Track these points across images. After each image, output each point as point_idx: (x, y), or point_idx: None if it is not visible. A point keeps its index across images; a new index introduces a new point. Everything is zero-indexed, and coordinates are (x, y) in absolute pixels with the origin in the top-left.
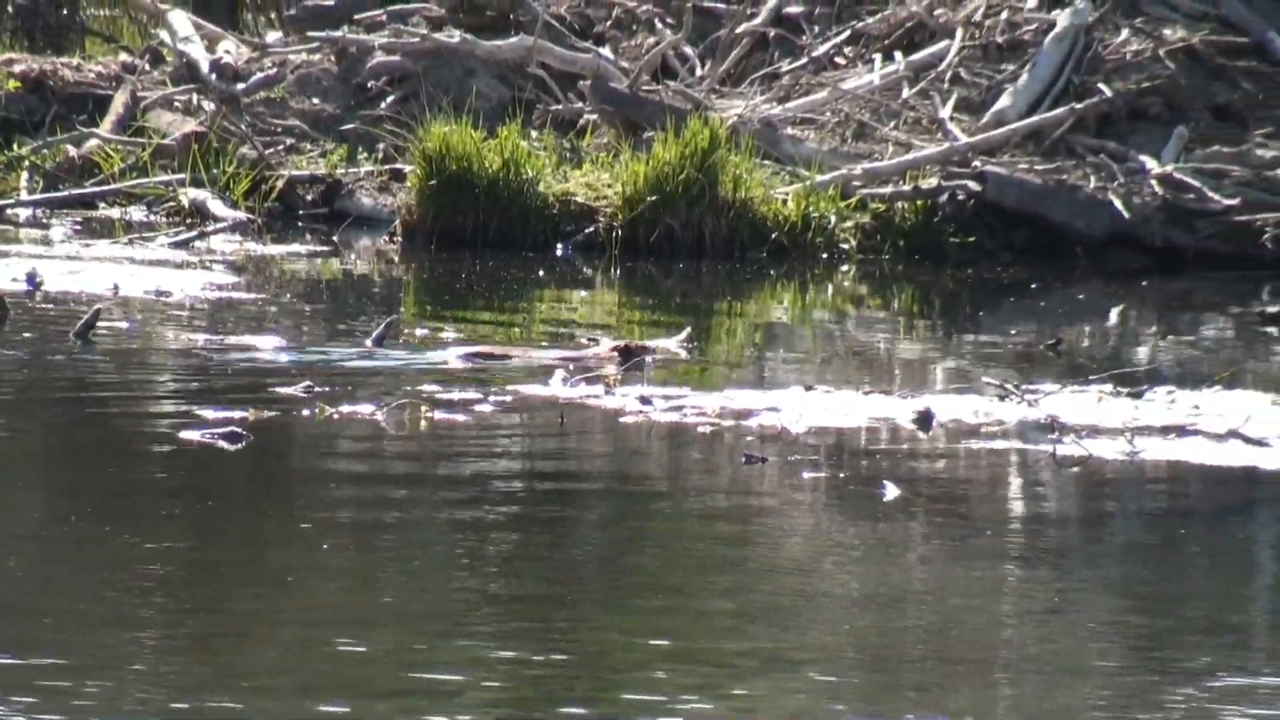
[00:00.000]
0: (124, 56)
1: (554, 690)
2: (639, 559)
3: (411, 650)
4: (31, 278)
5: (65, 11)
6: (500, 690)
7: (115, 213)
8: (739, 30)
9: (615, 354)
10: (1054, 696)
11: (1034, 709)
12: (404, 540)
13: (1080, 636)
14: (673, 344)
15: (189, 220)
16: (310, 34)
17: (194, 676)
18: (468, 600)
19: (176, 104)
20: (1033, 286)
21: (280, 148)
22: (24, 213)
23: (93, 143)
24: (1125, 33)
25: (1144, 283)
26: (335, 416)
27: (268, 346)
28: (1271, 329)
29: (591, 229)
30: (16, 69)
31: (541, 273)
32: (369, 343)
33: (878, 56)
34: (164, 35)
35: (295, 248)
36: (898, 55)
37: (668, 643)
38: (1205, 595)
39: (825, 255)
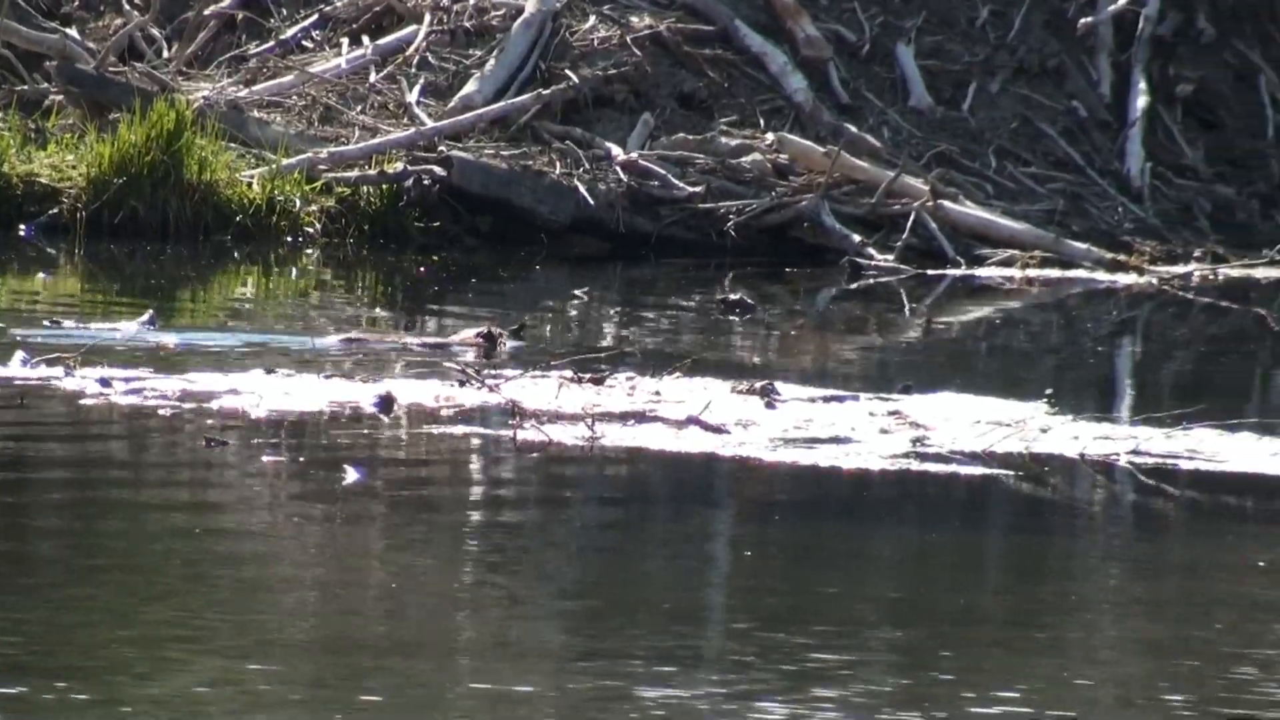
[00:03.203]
0: None
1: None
2: (93, 548)
3: None
4: None
5: None
6: None
7: None
8: (207, 12)
9: (480, 339)
10: (497, 678)
11: (479, 693)
12: None
13: (529, 620)
14: (135, 326)
15: None
16: None
17: None
18: None
19: None
20: (498, 272)
21: None
22: None
23: None
24: (593, 20)
25: (608, 269)
26: None
27: None
28: (733, 316)
29: (56, 210)
30: None
31: (3, 254)
32: None
33: (345, 40)
34: None
35: None
36: (366, 40)
37: (120, 629)
38: (655, 579)
39: (290, 238)
